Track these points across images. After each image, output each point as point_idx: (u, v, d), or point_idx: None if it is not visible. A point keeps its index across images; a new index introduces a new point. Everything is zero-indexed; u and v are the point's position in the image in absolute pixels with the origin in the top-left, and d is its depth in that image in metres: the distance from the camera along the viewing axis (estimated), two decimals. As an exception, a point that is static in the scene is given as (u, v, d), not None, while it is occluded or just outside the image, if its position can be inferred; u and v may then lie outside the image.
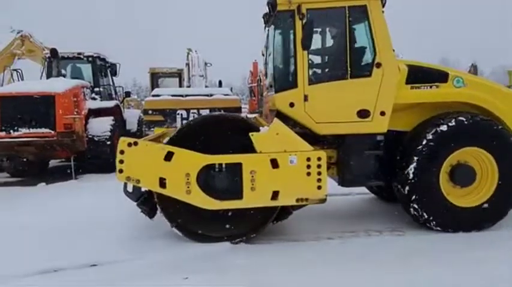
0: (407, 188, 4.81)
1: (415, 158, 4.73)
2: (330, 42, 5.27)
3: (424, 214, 4.78)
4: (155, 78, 18.90)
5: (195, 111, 11.29)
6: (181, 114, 10.20)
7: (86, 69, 11.73)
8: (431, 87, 5.04)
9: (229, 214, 4.52)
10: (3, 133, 8.59)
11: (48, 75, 11.15)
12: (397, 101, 4.95)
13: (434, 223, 4.79)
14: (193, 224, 4.53)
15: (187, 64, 15.90)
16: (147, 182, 4.32)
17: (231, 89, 13.07)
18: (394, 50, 4.97)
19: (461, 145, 4.75)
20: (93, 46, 12.26)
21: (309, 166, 4.39)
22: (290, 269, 3.90)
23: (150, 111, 10.47)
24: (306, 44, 4.64)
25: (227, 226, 4.56)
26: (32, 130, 8.68)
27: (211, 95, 11.84)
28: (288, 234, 4.98)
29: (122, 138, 4.25)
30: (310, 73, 4.93)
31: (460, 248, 4.33)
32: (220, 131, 4.52)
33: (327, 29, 5.27)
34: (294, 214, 4.75)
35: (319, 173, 4.41)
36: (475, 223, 4.82)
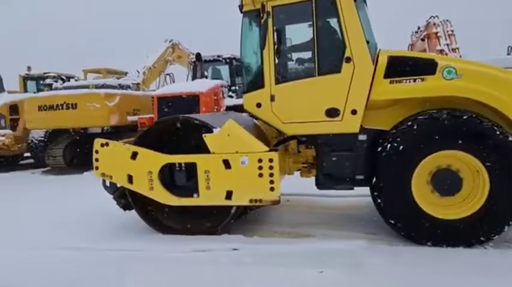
0: (380, 195, 4.38)
1: (385, 161, 4.27)
2: (297, 39, 5.03)
3: (400, 226, 4.29)
4: None
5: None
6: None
7: (224, 70, 12.69)
8: (415, 80, 4.42)
9: (191, 209, 4.79)
10: None
11: (194, 77, 12.26)
12: (374, 97, 4.50)
13: (407, 235, 4.27)
14: (159, 217, 4.96)
15: None
16: (118, 178, 4.88)
17: None
18: (368, 42, 4.52)
19: (436, 147, 4.08)
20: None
21: (260, 167, 4.37)
22: (430, 272, 3.62)
23: None
24: (263, 43, 4.58)
25: (188, 220, 4.88)
26: None
27: None
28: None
29: (96, 140, 4.88)
30: (277, 72, 4.82)
31: None
32: (180, 133, 4.84)
33: (295, 26, 5.03)
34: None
35: (271, 175, 4.35)
36: (458, 238, 4.12)
